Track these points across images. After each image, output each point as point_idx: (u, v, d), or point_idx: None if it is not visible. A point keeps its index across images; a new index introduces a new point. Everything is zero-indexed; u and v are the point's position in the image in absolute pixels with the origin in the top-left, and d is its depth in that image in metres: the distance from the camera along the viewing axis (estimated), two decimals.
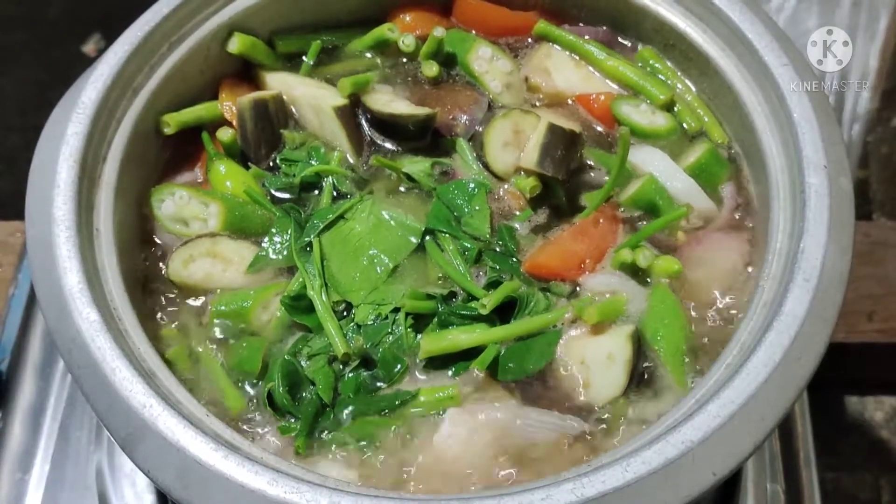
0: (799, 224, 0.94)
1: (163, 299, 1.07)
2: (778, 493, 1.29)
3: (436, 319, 1.01)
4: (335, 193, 1.13)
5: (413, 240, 1.07)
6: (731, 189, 1.12)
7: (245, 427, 0.98)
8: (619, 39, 1.26)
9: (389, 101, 1.18)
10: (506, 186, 1.13)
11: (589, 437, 0.96)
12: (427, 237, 1.08)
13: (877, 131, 2.12)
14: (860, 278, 1.68)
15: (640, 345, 1.00)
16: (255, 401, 1.00)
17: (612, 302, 1.02)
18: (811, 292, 0.88)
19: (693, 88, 1.20)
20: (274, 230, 1.09)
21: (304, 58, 1.25)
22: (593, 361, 0.99)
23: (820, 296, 0.88)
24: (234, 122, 1.17)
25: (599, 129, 1.20)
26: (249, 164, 1.16)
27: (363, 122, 1.19)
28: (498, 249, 1.08)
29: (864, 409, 1.96)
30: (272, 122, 1.17)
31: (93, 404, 0.88)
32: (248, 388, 1.01)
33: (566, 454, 0.94)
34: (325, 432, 0.97)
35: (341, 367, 1.00)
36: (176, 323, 1.05)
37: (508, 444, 0.94)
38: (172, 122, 1.14)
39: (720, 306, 1.04)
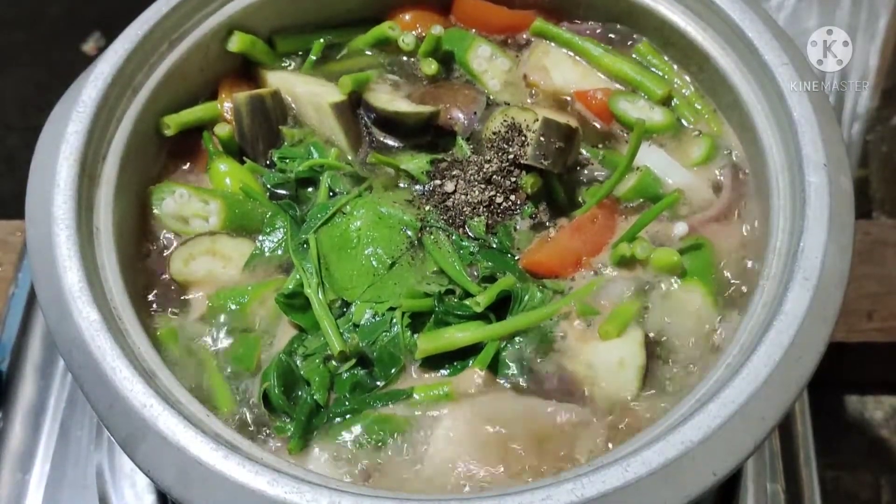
0: (799, 223, 0.93)
1: (163, 297, 1.07)
2: (778, 493, 1.29)
3: (432, 318, 1.01)
4: (332, 194, 1.12)
5: (410, 236, 1.07)
6: (730, 180, 1.12)
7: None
8: (619, 37, 1.25)
9: (390, 99, 1.18)
10: None
11: (590, 427, 0.95)
12: (424, 233, 1.08)
13: (877, 130, 2.12)
14: (860, 277, 1.68)
15: (650, 349, 0.99)
16: (245, 398, 1.00)
17: (623, 311, 1.01)
18: (811, 291, 0.88)
19: (692, 85, 1.20)
20: (268, 228, 1.09)
21: (304, 56, 1.25)
22: (601, 366, 0.98)
23: (820, 295, 0.88)
24: (232, 119, 1.17)
25: (598, 125, 1.20)
26: (245, 159, 1.16)
27: (365, 119, 1.19)
28: (494, 246, 1.08)
29: (864, 409, 1.96)
30: (269, 118, 1.17)
31: (93, 404, 0.88)
32: (244, 385, 1.01)
33: (566, 444, 0.94)
34: (322, 431, 0.96)
35: (336, 366, 1.00)
36: (176, 320, 1.05)
37: (507, 436, 0.94)
38: (172, 123, 1.14)
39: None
